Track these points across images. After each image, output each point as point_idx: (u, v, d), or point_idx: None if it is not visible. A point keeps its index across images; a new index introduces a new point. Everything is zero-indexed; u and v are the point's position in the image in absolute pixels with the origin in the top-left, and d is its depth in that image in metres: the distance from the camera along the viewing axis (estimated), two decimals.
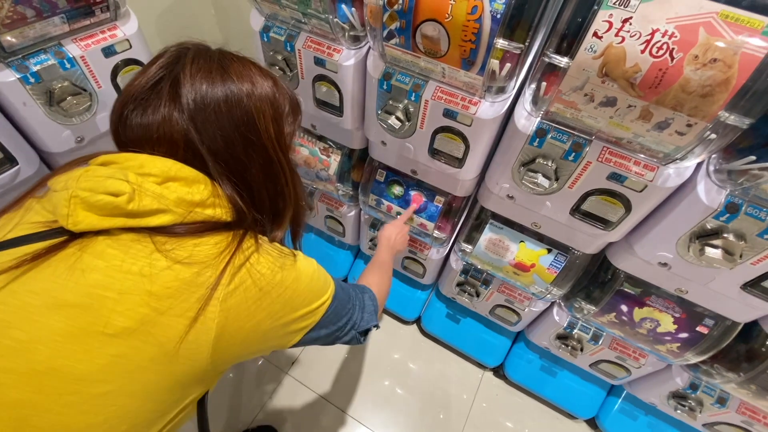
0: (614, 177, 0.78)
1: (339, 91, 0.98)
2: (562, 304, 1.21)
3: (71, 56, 0.90)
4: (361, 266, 1.68)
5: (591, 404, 1.42)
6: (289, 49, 0.97)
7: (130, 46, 0.99)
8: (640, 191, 0.77)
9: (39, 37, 0.85)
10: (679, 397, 1.17)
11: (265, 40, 0.99)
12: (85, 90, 0.94)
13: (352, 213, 1.44)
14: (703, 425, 1.19)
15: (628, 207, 0.81)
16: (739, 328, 0.94)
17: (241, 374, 1.50)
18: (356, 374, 1.53)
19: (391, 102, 0.91)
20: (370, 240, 1.44)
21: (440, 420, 1.45)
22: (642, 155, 0.75)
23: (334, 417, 1.43)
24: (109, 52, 0.96)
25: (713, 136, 0.64)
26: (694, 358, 1.01)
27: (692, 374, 1.12)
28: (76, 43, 0.91)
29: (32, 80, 0.86)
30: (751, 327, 0.95)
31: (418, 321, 1.66)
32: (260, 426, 1.36)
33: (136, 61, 1.02)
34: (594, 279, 1.08)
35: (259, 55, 1.04)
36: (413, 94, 0.87)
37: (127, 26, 0.99)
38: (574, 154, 0.79)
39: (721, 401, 1.11)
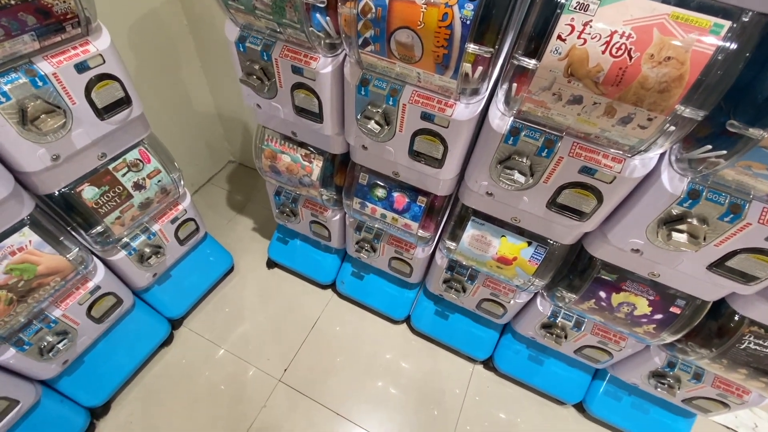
0: (585, 170, 0.82)
1: (318, 99, 1.00)
2: (545, 294, 1.25)
3: (43, 74, 0.89)
4: (349, 269, 1.69)
5: (578, 389, 1.47)
6: (266, 58, 0.98)
7: (104, 61, 0.98)
8: (610, 183, 0.82)
9: (8, 56, 0.84)
10: (658, 375, 1.23)
11: (241, 50, 1.00)
12: (59, 107, 0.92)
13: (337, 217, 1.46)
14: (683, 401, 1.25)
15: (600, 198, 0.85)
16: (708, 306, 0.99)
17: (234, 385, 1.49)
18: (350, 378, 1.54)
19: (369, 107, 0.93)
20: (356, 243, 1.45)
21: (435, 416, 1.48)
22: (610, 149, 0.79)
23: (330, 420, 1.43)
24: (82, 67, 0.94)
25: (672, 128, 0.69)
26: (669, 338, 1.06)
27: (669, 353, 1.18)
28: (48, 60, 0.90)
29: (3, 100, 0.84)
30: (720, 305, 1.00)
31: (407, 320, 1.69)
32: None
33: (110, 76, 1.01)
34: (573, 268, 1.12)
35: (235, 65, 1.05)
36: (391, 98, 0.89)
37: (100, 41, 0.98)
38: (546, 150, 0.82)
39: (697, 377, 1.17)
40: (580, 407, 1.52)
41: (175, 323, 1.59)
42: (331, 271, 1.71)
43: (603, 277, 1.05)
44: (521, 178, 0.86)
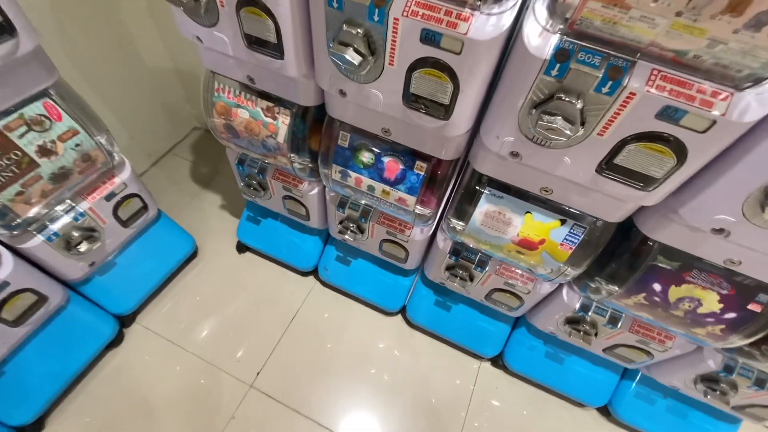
0: (667, 114, 0.55)
1: (274, 21, 0.70)
2: (573, 284, 1.01)
3: None
4: (333, 254, 1.43)
5: (603, 391, 1.26)
6: None
7: None
8: (704, 131, 0.55)
9: None
10: (709, 380, 1.01)
11: None
12: None
13: (315, 191, 1.18)
14: (733, 408, 1.04)
15: (681, 156, 0.59)
16: None
17: (196, 393, 1.25)
18: (335, 381, 1.31)
19: (345, 27, 0.64)
20: (340, 222, 1.19)
21: (436, 421, 1.26)
22: (708, 83, 0.52)
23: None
24: None
25: None
26: (739, 342, 0.83)
27: (727, 356, 0.95)
28: None
29: None
30: None
31: (402, 311, 1.45)
32: None
33: None
34: (617, 253, 0.87)
35: None
36: (375, 11, 0.61)
37: None
38: (610, 83, 0.55)
39: (760, 383, 0.95)
40: (603, 409, 1.31)
41: (125, 320, 1.33)
42: (313, 255, 1.46)
43: (660, 265, 0.80)
44: (567, 128, 0.59)
